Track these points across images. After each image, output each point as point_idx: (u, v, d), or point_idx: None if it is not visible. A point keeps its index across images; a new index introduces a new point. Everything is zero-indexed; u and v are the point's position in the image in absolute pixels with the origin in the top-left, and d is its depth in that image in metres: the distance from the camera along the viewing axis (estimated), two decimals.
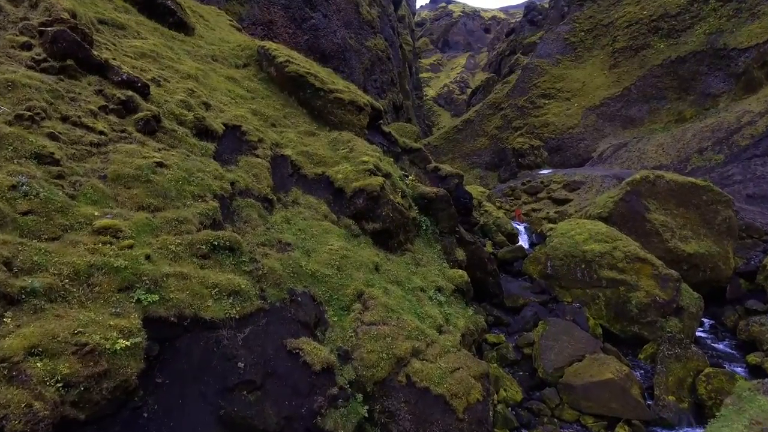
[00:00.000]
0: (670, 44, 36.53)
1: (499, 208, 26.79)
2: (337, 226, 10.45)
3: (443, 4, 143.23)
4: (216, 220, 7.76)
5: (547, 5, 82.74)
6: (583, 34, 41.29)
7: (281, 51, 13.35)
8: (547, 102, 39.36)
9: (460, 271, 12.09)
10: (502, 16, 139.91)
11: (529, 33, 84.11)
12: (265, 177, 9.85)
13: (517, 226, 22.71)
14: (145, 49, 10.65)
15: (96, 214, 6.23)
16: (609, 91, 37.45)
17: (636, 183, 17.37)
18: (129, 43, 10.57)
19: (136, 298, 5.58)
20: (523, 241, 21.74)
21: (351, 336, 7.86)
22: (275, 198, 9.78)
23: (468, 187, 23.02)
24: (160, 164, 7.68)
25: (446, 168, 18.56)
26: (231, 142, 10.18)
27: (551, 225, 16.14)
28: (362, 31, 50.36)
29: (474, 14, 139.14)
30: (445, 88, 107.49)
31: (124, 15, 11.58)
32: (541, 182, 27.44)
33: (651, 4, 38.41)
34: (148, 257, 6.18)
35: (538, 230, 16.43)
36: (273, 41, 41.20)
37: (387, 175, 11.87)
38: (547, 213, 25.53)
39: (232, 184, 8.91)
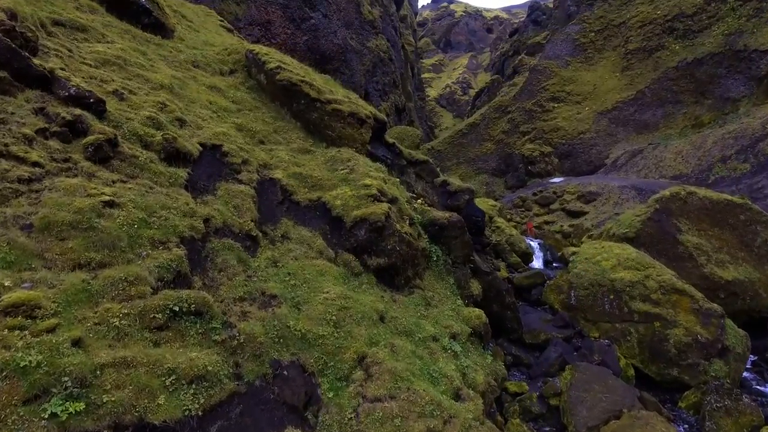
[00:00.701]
0: (685, 45, 34.87)
1: (509, 220, 25.20)
2: (335, 264, 8.86)
3: (445, 4, 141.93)
4: (181, 272, 6.17)
5: (551, 5, 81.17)
6: (593, 34, 39.63)
7: (272, 56, 11.76)
8: (556, 105, 37.72)
9: (477, 311, 10.49)
10: (505, 16, 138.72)
11: (533, 33, 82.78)
12: (248, 208, 8.26)
13: (530, 243, 21.10)
14: (109, 56, 9.06)
15: (7, 284, 4.64)
16: (621, 94, 35.81)
17: (666, 200, 15.75)
18: (90, 49, 8.99)
19: (49, 411, 3.99)
20: (537, 259, 20.15)
21: (351, 418, 6.27)
22: (260, 234, 8.19)
23: (477, 200, 21.46)
24: (109, 203, 6.08)
25: (456, 182, 16.97)
26: (209, 166, 8.59)
27: (574, 249, 14.56)
28: (363, 32, 48.75)
29: (476, 14, 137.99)
30: (447, 89, 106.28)
31: (88, 15, 10.00)
32: (554, 192, 25.82)
33: (665, 4, 36.75)
34: (77, 342, 4.60)
35: (559, 253, 14.84)
36: (271, 42, 39.71)
37: (393, 200, 10.28)
38: (561, 226, 23.95)
39: (206, 220, 7.33)
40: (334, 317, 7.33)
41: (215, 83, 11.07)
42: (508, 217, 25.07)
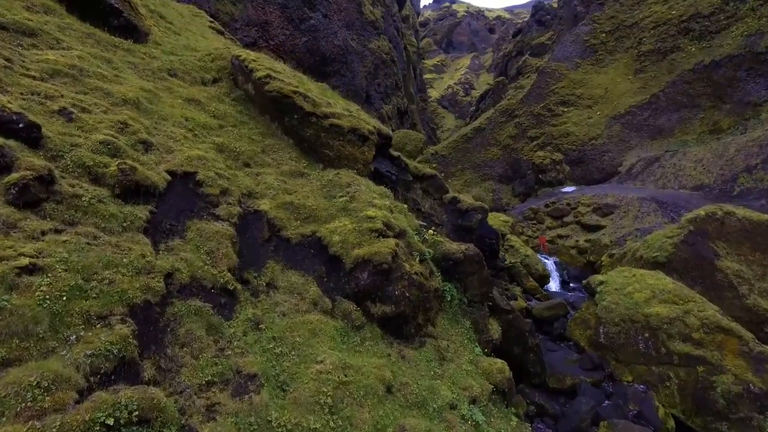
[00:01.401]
0: (702, 47, 33.27)
1: (521, 234, 23.65)
2: (332, 316, 7.34)
3: (447, 4, 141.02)
4: (126, 358, 4.65)
5: (555, 5, 79.66)
6: (604, 35, 38.04)
7: (261, 62, 10.22)
8: (566, 110, 36.14)
9: (499, 363, 8.95)
10: (507, 16, 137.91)
11: (537, 34, 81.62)
12: (225, 253, 6.73)
13: (545, 261, 19.56)
14: (61, 65, 7.54)
15: None
16: (635, 98, 34.21)
17: (701, 221, 14.20)
18: (38, 57, 7.47)
19: None
20: (554, 280, 18.63)
21: None
22: (239, 286, 6.66)
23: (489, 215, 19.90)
24: (29, 268, 4.56)
25: (467, 200, 15.45)
26: (178, 200, 7.07)
27: (600, 277, 13.01)
28: (365, 32, 47.23)
29: (478, 14, 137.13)
30: (449, 90, 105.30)
31: (41, 17, 8.47)
32: (567, 204, 24.26)
33: (680, 4, 35.15)
34: None
35: (584, 284, 13.28)
36: (269, 43, 38.17)
37: (401, 234, 8.75)
38: (577, 241, 22.40)
39: (169, 276, 5.80)
40: (329, 398, 5.79)
41: (194, 95, 9.53)
42: (520, 230, 23.52)
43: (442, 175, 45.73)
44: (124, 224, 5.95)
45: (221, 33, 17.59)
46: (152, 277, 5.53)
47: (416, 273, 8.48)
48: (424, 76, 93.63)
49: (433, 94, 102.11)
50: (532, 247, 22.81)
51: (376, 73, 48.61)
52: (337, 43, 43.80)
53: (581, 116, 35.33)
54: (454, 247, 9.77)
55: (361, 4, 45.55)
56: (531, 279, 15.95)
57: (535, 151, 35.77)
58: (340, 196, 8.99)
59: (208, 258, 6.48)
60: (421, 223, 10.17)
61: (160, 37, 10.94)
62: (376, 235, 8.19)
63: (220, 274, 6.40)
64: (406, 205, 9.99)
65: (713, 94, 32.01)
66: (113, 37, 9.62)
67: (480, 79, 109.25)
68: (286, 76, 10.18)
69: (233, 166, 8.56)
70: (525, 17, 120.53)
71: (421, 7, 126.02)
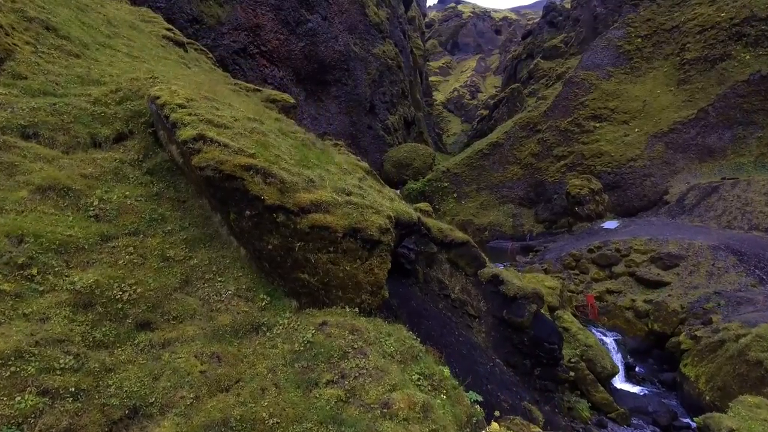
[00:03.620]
0: (758, 55, 28.78)
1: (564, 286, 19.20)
2: None
3: (452, 5, 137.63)
4: None
5: (568, 5, 75.28)
6: (640, 40, 33.56)
7: (193, 109, 5.83)
8: (598, 125, 31.68)
9: None
10: (514, 17, 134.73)
11: (549, 36, 77.59)
12: None
13: (602, 339, 15.12)
14: None
15: None
16: (679, 113, 29.73)
17: None
18: None
19: None
20: (619, 366, 14.17)
21: None
22: None
23: (529, 277, 15.50)
24: None
25: (514, 281, 11.06)
26: None
27: (729, 423, 8.58)
28: (369, 36, 42.81)
29: (484, 15, 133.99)
30: (455, 93, 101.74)
31: None
32: (616, 250, 19.81)
33: (731, 5, 30.64)
34: None
35: (699, 424, 8.82)
36: (261, 50, 33.73)
37: None
38: (633, 300, 17.97)
39: None
40: None
41: (60, 176, 5.16)
42: (559, 282, 19.05)
43: (455, 195, 41.29)
44: None
45: (180, 45, 13.26)
46: None
47: None
48: (429, 79, 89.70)
49: (439, 97, 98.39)
50: (576, 306, 18.44)
51: (380, 81, 44.23)
52: (338, 49, 39.44)
53: (616, 133, 30.86)
54: None
55: (365, 5, 41.15)
56: (599, 386, 11.53)
57: (563, 172, 31.33)
58: (327, 383, 4.60)
59: None
60: (478, 398, 5.75)
61: (32, 64, 6.57)
62: None
63: None
64: (446, 368, 5.58)
65: None
66: None
67: (486, 81, 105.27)
68: (234, 134, 5.77)
69: (110, 338, 4.20)
70: (532, 18, 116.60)
71: (426, 7, 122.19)
